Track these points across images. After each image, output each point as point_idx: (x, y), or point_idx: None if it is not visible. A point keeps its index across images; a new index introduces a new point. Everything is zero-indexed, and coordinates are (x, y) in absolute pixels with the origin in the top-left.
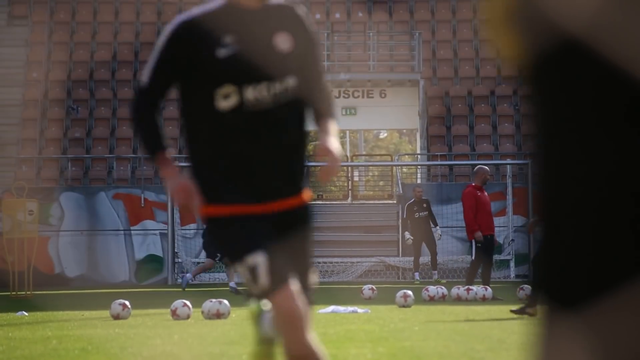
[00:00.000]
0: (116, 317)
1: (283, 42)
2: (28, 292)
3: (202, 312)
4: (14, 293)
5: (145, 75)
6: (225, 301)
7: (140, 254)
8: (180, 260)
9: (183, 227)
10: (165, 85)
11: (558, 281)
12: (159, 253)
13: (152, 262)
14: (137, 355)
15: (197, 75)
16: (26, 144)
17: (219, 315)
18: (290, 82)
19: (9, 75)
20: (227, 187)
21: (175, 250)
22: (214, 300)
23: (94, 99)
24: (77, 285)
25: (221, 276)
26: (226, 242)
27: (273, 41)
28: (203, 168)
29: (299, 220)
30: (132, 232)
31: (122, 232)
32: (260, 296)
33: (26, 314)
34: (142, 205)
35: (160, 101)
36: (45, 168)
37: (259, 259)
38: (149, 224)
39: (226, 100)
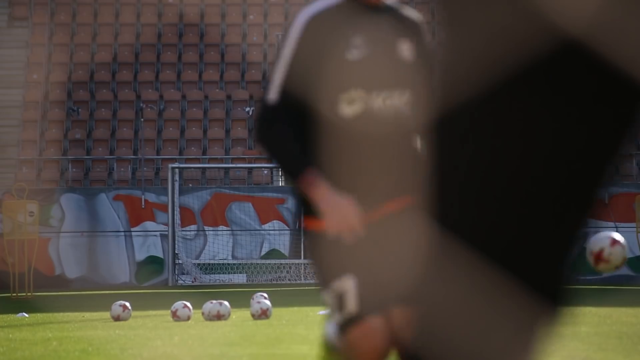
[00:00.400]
0: (116, 318)
1: (406, 50)
2: (28, 294)
3: (203, 314)
4: (14, 294)
5: (273, 89)
6: (226, 302)
7: (140, 255)
8: (180, 261)
9: (183, 229)
10: (298, 94)
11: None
12: (160, 254)
13: (153, 264)
14: (138, 356)
15: (323, 77)
16: (26, 146)
17: (219, 317)
18: (408, 94)
19: (9, 77)
20: None
21: (176, 252)
22: (214, 301)
23: (95, 100)
24: (77, 287)
25: (222, 277)
26: (317, 266)
27: (397, 48)
28: None
29: (409, 217)
30: (133, 233)
31: (122, 233)
32: (342, 325)
33: (26, 315)
34: (143, 206)
35: (294, 117)
36: (45, 169)
37: (347, 284)
38: (149, 225)
39: (350, 106)
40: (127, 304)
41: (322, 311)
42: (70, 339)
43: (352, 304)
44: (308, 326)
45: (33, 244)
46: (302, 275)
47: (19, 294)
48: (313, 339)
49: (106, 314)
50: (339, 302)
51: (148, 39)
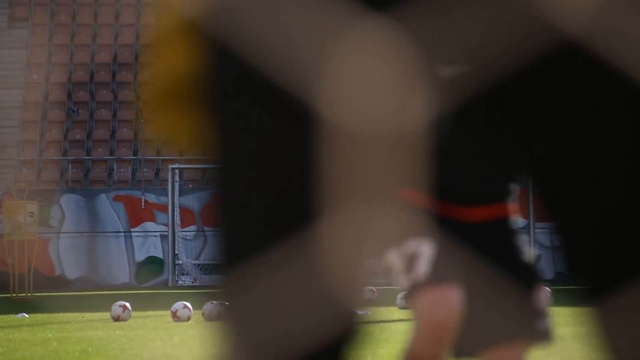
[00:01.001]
0: (116, 319)
1: None
2: (28, 294)
3: (203, 314)
4: (14, 295)
5: None
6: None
7: (140, 256)
8: (180, 262)
9: (183, 229)
10: None
11: None
12: (160, 255)
13: (153, 264)
14: (138, 357)
15: None
16: (26, 146)
17: (220, 317)
18: None
19: (9, 78)
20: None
21: (176, 252)
22: (214, 302)
23: (95, 101)
24: (77, 287)
25: None
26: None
27: None
28: None
29: (496, 235)
30: (133, 234)
31: (122, 234)
32: (413, 289)
33: (26, 315)
34: (143, 207)
35: None
36: (45, 170)
37: (423, 247)
38: (149, 225)
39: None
40: (127, 304)
41: None
42: (70, 340)
43: (422, 268)
44: None
45: (33, 244)
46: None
47: (19, 295)
48: None
49: (106, 315)
50: (409, 263)
51: (148, 40)
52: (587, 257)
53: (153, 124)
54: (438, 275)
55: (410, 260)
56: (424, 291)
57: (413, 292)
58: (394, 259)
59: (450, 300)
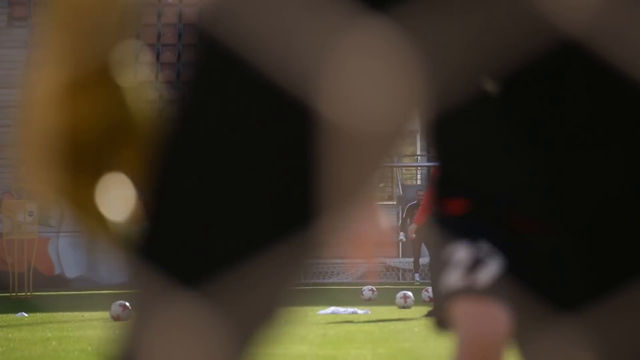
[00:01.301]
0: (116, 318)
1: None
2: (28, 293)
3: None
4: (14, 294)
5: None
6: None
7: None
8: None
9: None
10: None
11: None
12: None
13: None
14: None
15: None
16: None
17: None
18: None
19: (9, 77)
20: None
21: None
22: None
23: None
24: (76, 286)
25: None
26: (458, 224)
27: None
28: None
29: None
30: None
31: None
32: (464, 289)
33: (26, 315)
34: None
35: None
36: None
37: (494, 259)
38: None
39: None
40: (127, 304)
41: (321, 311)
42: (70, 339)
43: (488, 275)
44: (307, 326)
45: (32, 243)
46: (301, 275)
47: (18, 294)
48: (312, 338)
49: (106, 314)
50: (474, 265)
51: (148, 39)
52: (584, 256)
53: (33, 184)
54: (495, 292)
55: (476, 263)
56: (476, 301)
57: (460, 294)
58: (461, 252)
59: (500, 319)
